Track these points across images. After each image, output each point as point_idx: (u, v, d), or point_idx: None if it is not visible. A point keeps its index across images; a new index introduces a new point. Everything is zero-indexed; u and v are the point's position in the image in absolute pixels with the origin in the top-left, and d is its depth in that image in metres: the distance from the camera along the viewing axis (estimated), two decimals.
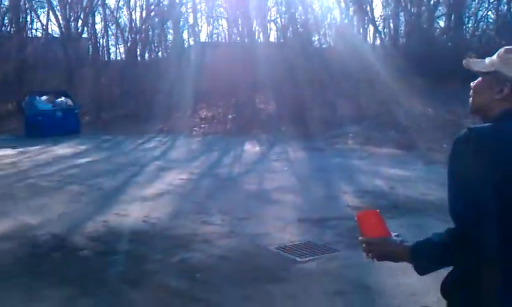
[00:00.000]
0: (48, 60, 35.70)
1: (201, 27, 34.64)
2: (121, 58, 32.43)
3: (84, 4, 31.45)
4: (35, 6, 34.96)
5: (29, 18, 36.19)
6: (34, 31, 36.99)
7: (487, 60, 1.71)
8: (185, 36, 30.90)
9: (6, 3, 34.99)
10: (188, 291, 4.81)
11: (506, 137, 1.57)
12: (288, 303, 4.58)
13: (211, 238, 6.28)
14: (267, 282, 4.96)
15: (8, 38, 35.60)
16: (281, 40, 27.84)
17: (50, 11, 32.99)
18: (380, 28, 25.64)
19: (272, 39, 28.64)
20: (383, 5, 26.37)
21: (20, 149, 16.58)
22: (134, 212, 7.61)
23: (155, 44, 31.30)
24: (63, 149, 16.61)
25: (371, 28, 26.00)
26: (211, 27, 31.06)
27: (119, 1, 31.85)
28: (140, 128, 21.65)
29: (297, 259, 5.54)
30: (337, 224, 6.74)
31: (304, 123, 19.06)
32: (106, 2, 31.00)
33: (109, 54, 33.60)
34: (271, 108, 23.08)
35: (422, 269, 1.66)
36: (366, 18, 25.56)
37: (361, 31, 26.51)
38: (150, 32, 30.56)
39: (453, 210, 1.58)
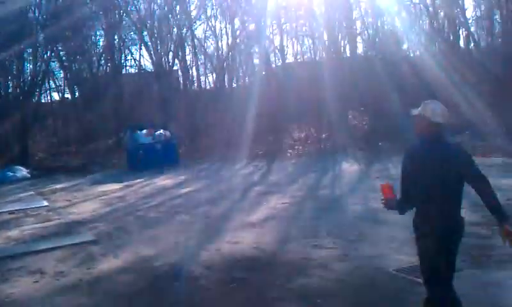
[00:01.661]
0: (142, 94, 37.62)
1: (287, 47, 34.73)
2: (211, 87, 33.34)
3: (174, 37, 32.71)
4: (129, 44, 36.88)
5: (123, 56, 38.08)
6: (128, 68, 39.04)
7: (414, 111, 3.79)
8: (272, 58, 31.05)
9: (101, 43, 37.12)
10: None
11: (415, 149, 3.90)
12: None
13: (326, 262, 6.18)
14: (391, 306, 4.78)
15: (104, 77, 37.96)
16: (369, 53, 27.37)
17: (143, 47, 34.64)
18: (473, 30, 24.46)
19: (359, 52, 28.23)
20: (474, 6, 25.20)
21: (125, 183, 17.37)
22: (244, 238, 7.68)
23: (243, 69, 31.82)
24: (164, 180, 17.24)
25: (463, 31, 24.90)
26: (297, 46, 31.06)
27: (206, 31, 33.00)
28: (235, 154, 22.03)
29: (419, 280, 5.29)
30: None
31: (401, 136, 18.49)
32: (195, 33, 32.06)
33: (199, 83, 34.64)
34: (365, 124, 22.63)
35: (398, 211, 4.12)
36: (457, 21, 24.52)
37: (451, 36, 25.39)
38: (237, 59, 31.21)
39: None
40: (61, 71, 38.32)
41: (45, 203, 13.90)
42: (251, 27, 29.39)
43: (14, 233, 9.81)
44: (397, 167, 14.26)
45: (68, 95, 39.13)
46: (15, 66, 31.12)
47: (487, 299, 4.81)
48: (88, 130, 35.94)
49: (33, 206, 13.45)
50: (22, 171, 23.92)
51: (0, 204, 14.76)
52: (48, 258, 7.61)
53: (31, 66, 33.09)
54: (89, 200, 14.13)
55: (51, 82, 39.52)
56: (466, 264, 5.56)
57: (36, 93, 33.89)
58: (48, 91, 40.69)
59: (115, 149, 28.98)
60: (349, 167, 15.29)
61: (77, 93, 39.32)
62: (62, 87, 39.89)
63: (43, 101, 40.77)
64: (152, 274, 6.41)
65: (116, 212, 11.55)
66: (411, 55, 26.99)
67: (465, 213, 3.98)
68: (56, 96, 41.45)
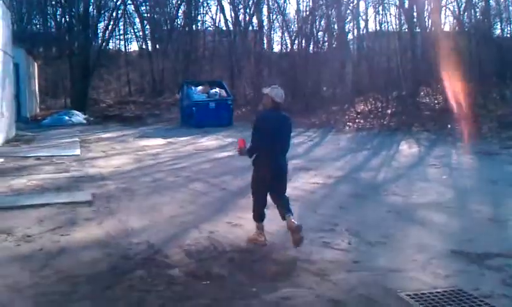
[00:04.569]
0: (214, 52, 36.87)
1: (369, 16, 32.37)
2: (285, 50, 31.80)
3: None
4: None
5: (200, 11, 37.37)
6: (202, 24, 38.35)
7: (265, 90, 5.81)
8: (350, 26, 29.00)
9: None
10: None
11: (265, 115, 5.80)
12: None
13: (327, 270, 4.89)
14: None
15: (178, 31, 37.47)
16: (457, 28, 24.81)
17: (220, 5, 33.70)
18: None
19: (446, 27, 25.70)
20: None
21: (170, 140, 16.65)
22: (248, 221, 6.46)
23: (320, 36, 30.01)
24: (209, 141, 16.32)
25: None
26: (380, 16, 28.70)
27: None
28: (291, 122, 20.70)
29: None
30: (505, 265, 4.91)
31: (474, 121, 16.46)
32: None
33: (271, 46, 33.23)
34: (437, 103, 20.53)
35: (248, 155, 5.77)
36: None
37: None
38: (316, 24, 29.43)
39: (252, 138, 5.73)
40: (138, 20, 38.28)
41: (77, 152, 13.38)
42: None
43: (20, 181, 9.18)
44: (460, 155, 12.53)
45: (147, 46, 39.03)
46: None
47: None
48: (159, 82, 35.85)
49: (63, 154, 12.96)
50: (78, 116, 23.89)
51: (36, 148, 14.46)
52: (30, 216, 6.82)
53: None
54: (123, 154, 13.50)
55: (129, 29, 39.76)
56: (509, 301, 4.10)
57: (100, 38, 33.87)
58: (124, 40, 41.05)
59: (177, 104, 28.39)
60: (407, 149, 13.60)
61: (151, 45, 39.18)
62: (141, 37, 39.98)
63: (114, 48, 41.31)
64: (121, 254, 5.38)
65: (138, 171, 10.73)
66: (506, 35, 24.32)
67: None
68: (135, 46, 41.87)
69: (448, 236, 5.92)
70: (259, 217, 5.80)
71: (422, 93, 22.16)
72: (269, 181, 5.66)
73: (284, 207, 5.70)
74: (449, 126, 16.67)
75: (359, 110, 21.80)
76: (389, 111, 20.66)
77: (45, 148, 14.32)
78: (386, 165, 11.13)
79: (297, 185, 8.76)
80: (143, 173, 10.46)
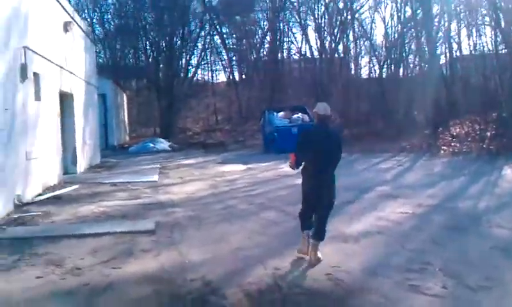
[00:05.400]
0: (300, 79, 36.41)
1: (462, 38, 30.33)
2: (373, 75, 30.65)
3: (339, 23, 30.63)
4: (291, 28, 35.99)
5: (285, 40, 37.35)
6: (288, 51, 38.20)
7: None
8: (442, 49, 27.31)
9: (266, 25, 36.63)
10: None
11: (309, 130, 6.27)
12: None
13: None
14: None
15: (264, 61, 37.53)
16: None
17: (304, 33, 33.43)
18: None
19: None
20: None
21: (250, 166, 16.06)
22: (323, 256, 5.60)
23: (411, 59, 28.63)
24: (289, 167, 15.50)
25: None
26: (473, 37, 26.67)
27: (373, 18, 30.34)
28: (382, 146, 19.51)
29: None
30: None
31: None
32: (361, 17, 29.72)
33: (358, 71, 32.19)
34: None
35: (295, 168, 5.72)
36: None
37: None
38: (405, 47, 28.07)
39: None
40: (223, 52, 38.73)
41: (154, 178, 13.10)
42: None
43: (88, 208, 8.86)
44: None
45: (233, 76, 39.43)
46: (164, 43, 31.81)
47: None
48: (245, 110, 35.88)
49: (140, 181, 12.71)
50: (163, 144, 24.08)
51: (115, 174, 14.40)
52: (86, 245, 6.35)
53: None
54: (200, 180, 13.03)
55: (218, 63, 40.41)
56: None
57: (183, 69, 34.39)
58: (210, 71, 41.73)
59: (260, 130, 27.94)
60: (511, 174, 12.04)
61: (238, 74, 39.51)
62: (227, 68, 40.44)
63: (202, 79, 42.05)
64: (172, 292, 4.70)
65: (211, 197, 10.16)
66: None
67: None
68: (222, 77, 42.46)
69: None
70: (303, 225, 5.80)
71: None
72: (312, 193, 5.67)
73: (317, 232, 5.57)
74: None
75: (454, 133, 20.11)
76: (488, 134, 18.85)
77: (124, 174, 14.23)
78: (488, 193, 9.73)
79: (383, 215, 7.72)
80: (216, 199, 9.86)
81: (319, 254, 5.43)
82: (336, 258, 5.61)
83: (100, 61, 37.15)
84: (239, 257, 5.79)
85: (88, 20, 35.26)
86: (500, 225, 6.93)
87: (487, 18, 24.82)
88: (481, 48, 25.78)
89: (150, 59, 36.01)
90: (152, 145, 23.34)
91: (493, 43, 24.04)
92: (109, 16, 36.99)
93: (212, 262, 5.59)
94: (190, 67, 35.63)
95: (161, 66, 32.59)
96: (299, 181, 5.97)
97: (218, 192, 10.90)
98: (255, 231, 7.03)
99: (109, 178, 13.44)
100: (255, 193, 10.59)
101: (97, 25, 36.98)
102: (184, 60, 34.34)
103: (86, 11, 36.19)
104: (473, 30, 25.69)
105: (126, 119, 31.35)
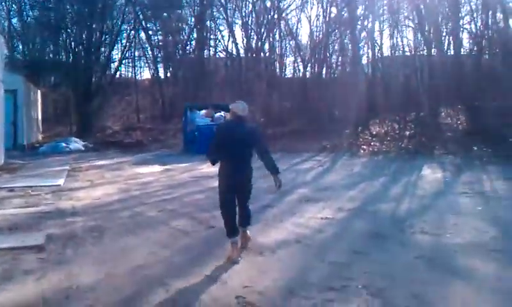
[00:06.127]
0: (225, 77, 35.86)
1: (384, 40, 31.00)
2: (297, 74, 30.58)
3: (265, 22, 30.31)
4: (218, 26, 35.39)
5: (212, 37, 36.74)
6: (215, 49, 37.55)
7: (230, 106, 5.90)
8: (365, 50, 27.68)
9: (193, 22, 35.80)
10: None
11: (224, 126, 6.47)
12: None
13: None
14: None
15: (189, 57, 36.59)
16: (475, 50, 23.33)
17: (231, 31, 32.89)
18: None
19: (463, 50, 24.37)
20: None
21: (168, 167, 15.20)
22: (233, 274, 4.96)
23: (334, 59, 28.79)
24: (210, 168, 14.72)
25: None
26: (395, 38, 27.12)
27: (299, 18, 30.31)
28: (303, 146, 19.20)
29: None
30: None
31: (503, 142, 14.83)
32: (287, 16, 29.57)
33: (283, 71, 32.09)
34: (460, 123, 18.93)
35: (211, 163, 5.79)
36: None
37: None
38: (329, 48, 28.17)
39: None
40: (148, 48, 37.32)
41: (59, 182, 11.94)
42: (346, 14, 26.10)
43: None
44: (492, 180, 10.87)
45: (158, 73, 38.06)
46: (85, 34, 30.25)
47: None
48: (169, 108, 34.76)
49: (43, 185, 11.52)
50: (77, 143, 22.61)
51: (17, 178, 13.07)
52: None
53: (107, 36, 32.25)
54: (111, 183, 12.04)
55: (143, 59, 38.97)
56: None
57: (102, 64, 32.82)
58: (133, 67, 40.14)
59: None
60: (431, 174, 11.97)
61: (163, 71, 38.27)
62: (152, 64, 38.98)
63: (126, 75, 40.44)
64: None
65: (118, 203, 9.26)
66: None
67: None
68: (147, 74, 40.88)
69: (508, 297, 4.31)
70: (230, 231, 5.63)
71: (443, 114, 20.54)
72: (232, 190, 5.63)
73: (244, 219, 5.75)
74: (475, 148, 15.02)
75: (374, 132, 20.20)
76: (407, 133, 19.06)
77: (27, 178, 12.91)
78: (409, 195, 9.50)
79: (302, 221, 7.19)
80: (124, 205, 8.96)
81: (248, 233, 5.84)
82: (250, 274, 4.98)
83: (18, 55, 34.83)
84: (138, 278, 5.01)
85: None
86: (423, 231, 6.57)
87: (408, 22, 25.45)
88: (402, 48, 26.42)
89: (70, 53, 33.96)
90: (64, 145, 21.79)
91: (414, 43, 24.67)
92: (27, 7, 34.52)
93: (105, 286, 4.79)
94: (112, 63, 33.87)
95: (80, 61, 30.67)
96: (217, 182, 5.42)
97: (128, 196, 9.98)
98: (160, 244, 6.25)
99: (8, 182, 12.12)
100: (168, 197, 9.79)
101: (16, 17, 34.58)
102: (103, 55, 32.57)
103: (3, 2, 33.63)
104: (395, 31, 26.22)
105: (40, 117, 29.30)
